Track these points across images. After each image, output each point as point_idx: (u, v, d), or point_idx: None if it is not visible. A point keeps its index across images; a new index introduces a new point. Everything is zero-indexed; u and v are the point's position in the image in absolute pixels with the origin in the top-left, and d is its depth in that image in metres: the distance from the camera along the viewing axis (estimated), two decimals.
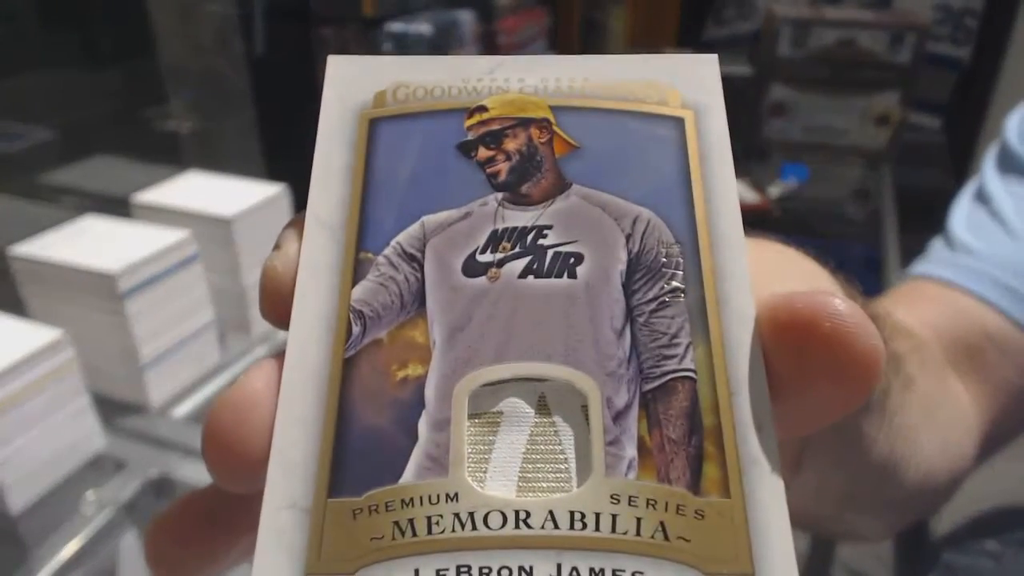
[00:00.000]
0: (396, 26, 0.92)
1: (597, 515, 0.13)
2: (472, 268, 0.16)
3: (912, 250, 0.57)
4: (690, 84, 0.18)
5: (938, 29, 1.73)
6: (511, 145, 0.17)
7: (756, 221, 1.18)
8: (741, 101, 1.40)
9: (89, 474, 0.60)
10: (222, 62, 0.97)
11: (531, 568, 0.13)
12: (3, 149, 0.79)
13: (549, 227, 0.16)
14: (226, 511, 0.17)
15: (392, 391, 0.15)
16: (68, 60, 0.84)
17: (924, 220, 0.77)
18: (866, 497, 0.35)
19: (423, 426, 0.14)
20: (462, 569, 0.13)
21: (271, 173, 1.02)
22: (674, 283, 0.15)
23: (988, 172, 0.49)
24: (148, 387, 0.67)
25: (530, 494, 0.14)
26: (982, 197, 0.48)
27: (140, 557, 0.59)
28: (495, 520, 0.13)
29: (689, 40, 1.86)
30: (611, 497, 0.13)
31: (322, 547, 0.13)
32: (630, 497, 0.13)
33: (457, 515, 0.13)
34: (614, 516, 0.13)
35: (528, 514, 0.13)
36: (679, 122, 0.17)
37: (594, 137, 0.17)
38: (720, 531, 0.13)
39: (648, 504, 0.13)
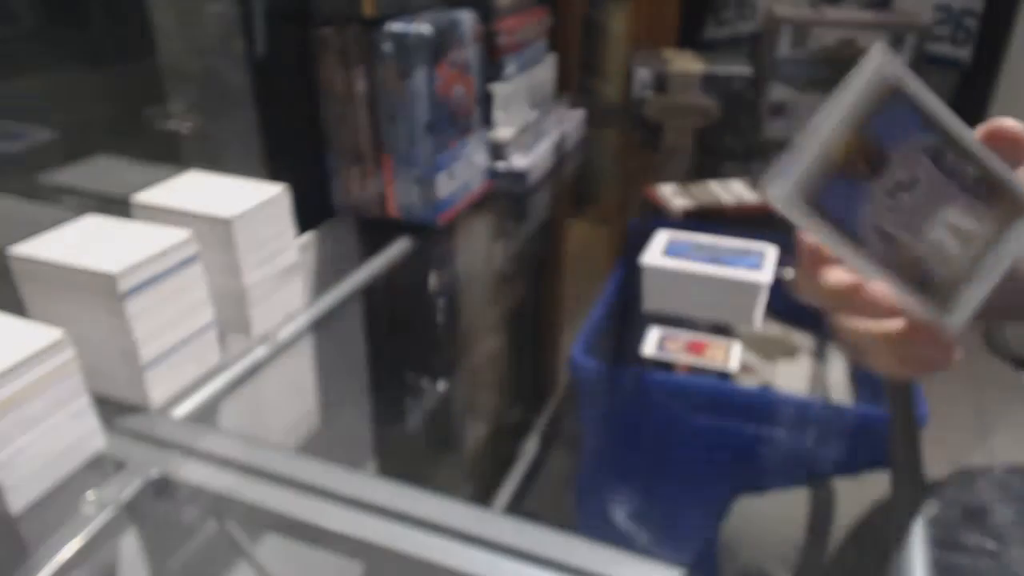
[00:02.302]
0: (396, 26, 0.92)
1: None
2: None
3: None
4: None
5: (938, 29, 1.73)
6: None
7: (756, 221, 1.17)
8: (741, 101, 1.40)
9: (89, 474, 0.60)
10: (222, 62, 0.97)
11: None
12: (3, 149, 0.79)
13: None
14: None
15: None
16: (68, 60, 0.84)
17: None
18: None
19: None
20: None
21: (271, 173, 1.02)
22: None
23: None
24: (148, 387, 0.67)
25: None
26: None
27: (140, 557, 0.59)
28: None
29: (689, 40, 1.86)
30: None
31: None
32: None
33: None
34: None
35: None
36: None
37: None
38: None
39: None
